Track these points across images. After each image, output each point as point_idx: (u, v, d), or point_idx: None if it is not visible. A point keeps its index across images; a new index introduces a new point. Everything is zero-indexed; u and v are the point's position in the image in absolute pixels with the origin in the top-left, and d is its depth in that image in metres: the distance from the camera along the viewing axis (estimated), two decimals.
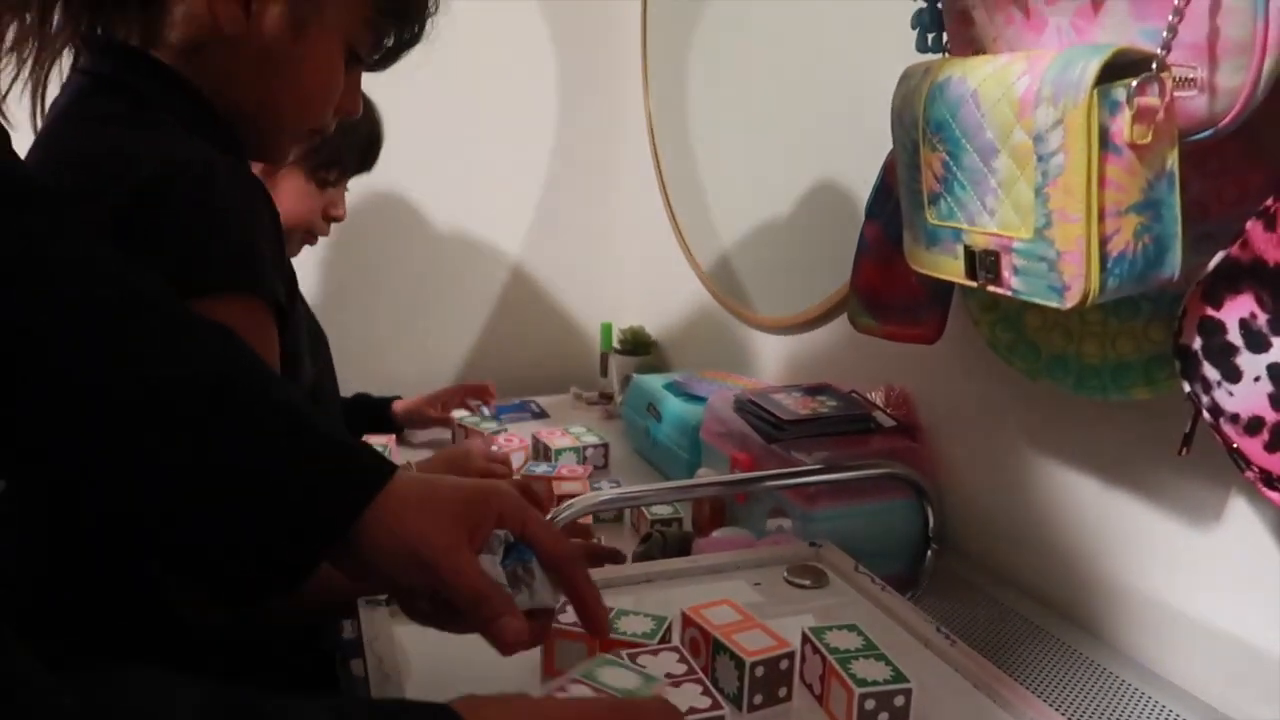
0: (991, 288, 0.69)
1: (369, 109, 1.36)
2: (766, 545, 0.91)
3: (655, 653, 0.62)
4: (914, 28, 0.81)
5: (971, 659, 0.68)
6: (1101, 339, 0.76)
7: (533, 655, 0.67)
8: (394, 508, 0.56)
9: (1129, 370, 0.75)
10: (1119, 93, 0.60)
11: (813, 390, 1.13)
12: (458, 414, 1.43)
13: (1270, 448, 0.61)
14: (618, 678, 0.58)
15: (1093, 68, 0.59)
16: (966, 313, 0.89)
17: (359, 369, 1.54)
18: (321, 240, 1.37)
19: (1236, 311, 0.62)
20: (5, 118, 0.58)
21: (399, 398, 1.49)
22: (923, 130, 0.72)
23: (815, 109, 1.27)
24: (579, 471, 1.17)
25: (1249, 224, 0.60)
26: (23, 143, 0.63)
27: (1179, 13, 0.58)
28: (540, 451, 1.30)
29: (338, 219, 1.36)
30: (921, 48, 0.81)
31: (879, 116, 0.82)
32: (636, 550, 0.95)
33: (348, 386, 1.28)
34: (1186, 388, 0.65)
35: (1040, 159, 0.63)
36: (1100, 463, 0.86)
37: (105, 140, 0.70)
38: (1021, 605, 0.92)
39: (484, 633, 0.56)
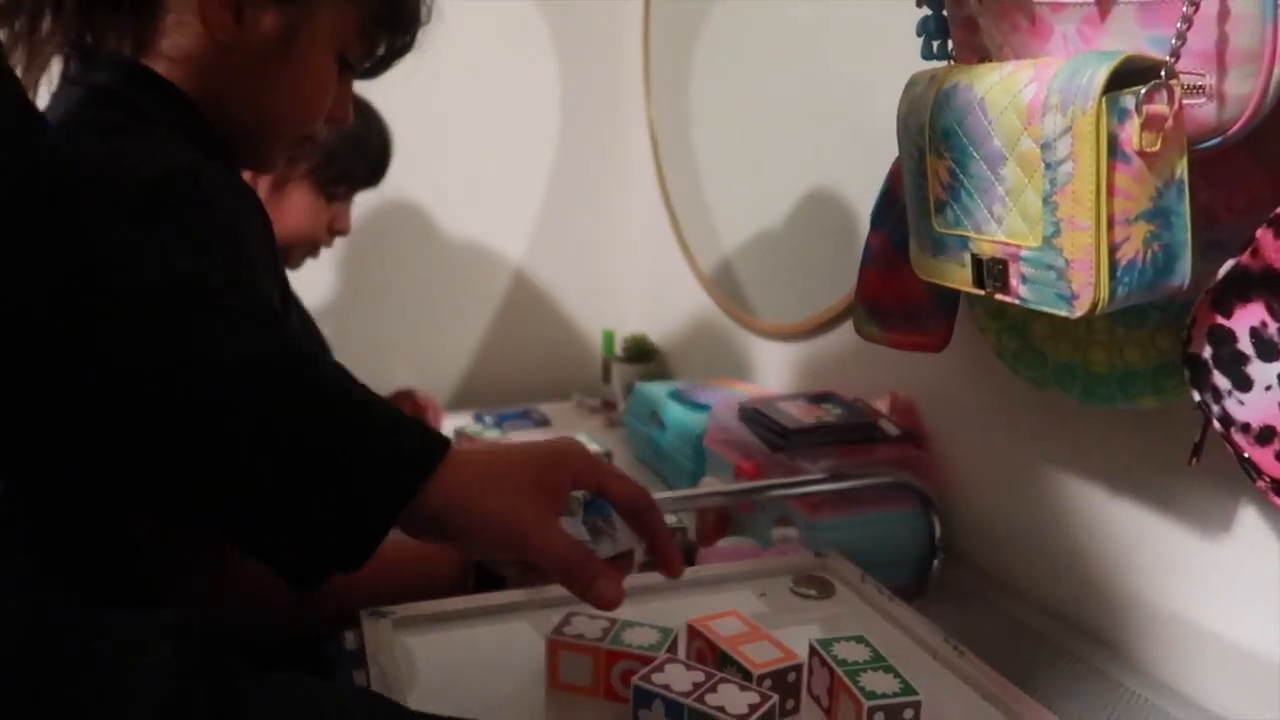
0: (999, 296, 0.69)
1: (379, 125, 1.36)
2: (772, 555, 0.91)
3: (662, 666, 0.61)
4: (919, 35, 0.81)
5: (981, 671, 0.68)
6: (1109, 347, 0.76)
7: (538, 667, 0.66)
8: (466, 483, 0.57)
9: (1137, 379, 0.75)
10: (1128, 100, 0.59)
11: (817, 398, 1.12)
12: (460, 423, 1.43)
13: None
14: (641, 636, 0.65)
15: (1101, 75, 0.59)
16: (973, 321, 0.89)
17: (360, 375, 1.52)
18: (331, 245, 1.37)
19: (1247, 320, 0.61)
20: None
21: None
22: (929, 138, 0.72)
23: (818, 116, 1.27)
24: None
25: (1260, 232, 0.60)
26: None
27: (1188, 20, 0.57)
28: None
29: (342, 233, 1.36)
30: (927, 55, 0.81)
31: (881, 124, 0.82)
32: (640, 560, 0.95)
33: None
34: (1196, 397, 0.65)
35: (1048, 167, 0.62)
36: (1108, 472, 0.86)
37: (104, 147, 0.70)
38: (1028, 615, 0.92)
39: (581, 597, 0.59)
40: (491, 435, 1.36)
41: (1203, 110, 0.60)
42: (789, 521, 0.98)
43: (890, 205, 0.89)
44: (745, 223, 1.48)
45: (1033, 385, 0.83)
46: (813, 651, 0.65)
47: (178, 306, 0.56)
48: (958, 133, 0.69)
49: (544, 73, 1.82)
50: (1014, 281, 0.67)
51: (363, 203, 1.52)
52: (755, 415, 1.09)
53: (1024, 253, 0.66)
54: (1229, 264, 0.62)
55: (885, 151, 0.87)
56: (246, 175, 0.90)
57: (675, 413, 1.29)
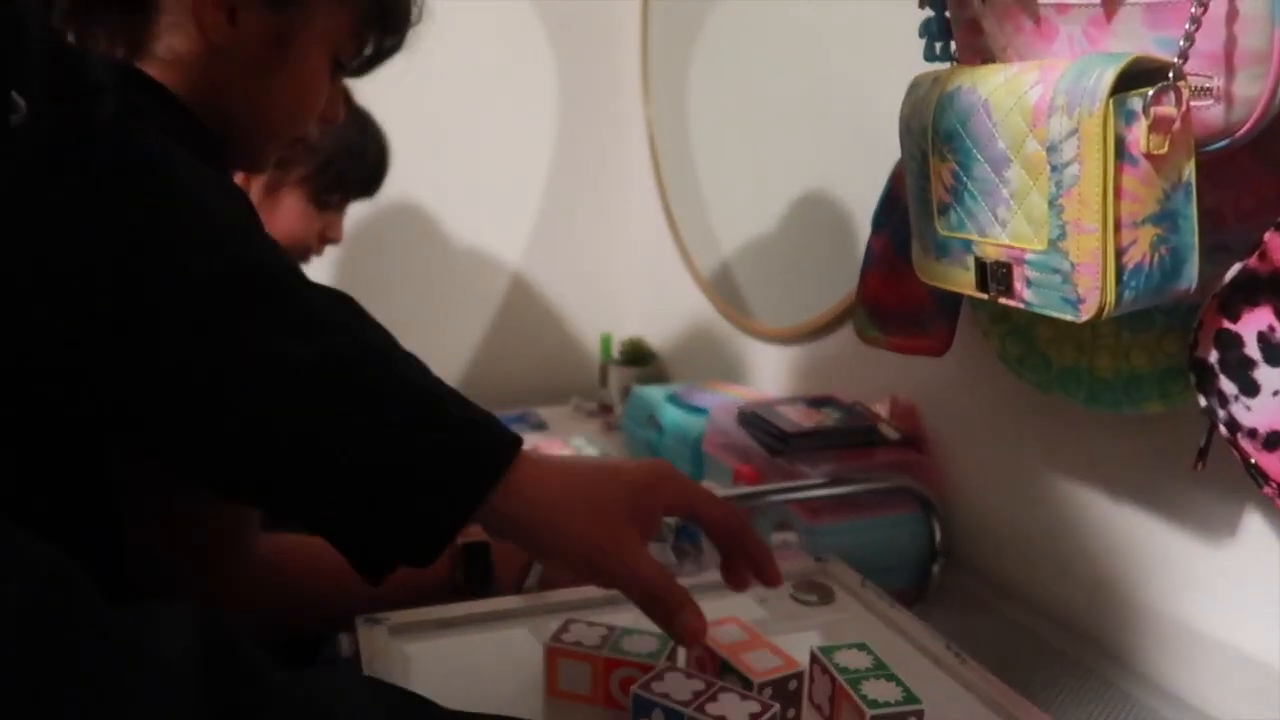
0: (1003, 300, 0.68)
1: (376, 134, 1.35)
2: None
3: (662, 675, 0.60)
4: (922, 36, 0.80)
5: (983, 678, 0.67)
6: (1114, 351, 0.75)
7: (535, 674, 0.65)
8: (549, 501, 0.57)
9: (1142, 383, 0.74)
10: (1135, 102, 0.58)
11: (816, 402, 1.12)
12: None
13: None
14: (640, 644, 0.64)
15: (1109, 76, 0.58)
16: (976, 324, 0.88)
17: None
18: (325, 251, 1.36)
19: (1254, 324, 0.60)
20: None
21: None
22: (932, 140, 0.71)
23: (817, 118, 1.26)
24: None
25: (1268, 235, 0.59)
26: None
27: (1197, 21, 0.57)
28: None
29: (334, 241, 1.35)
30: (929, 57, 0.80)
31: (880, 126, 0.81)
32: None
33: None
34: (1203, 402, 0.64)
35: (1054, 169, 0.62)
36: (1111, 476, 0.85)
37: None
38: (1029, 621, 0.91)
39: (663, 627, 0.58)
40: None
41: (1210, 112, 0.59)
42: (788, 526, 0.97)
43: (892, 207, 0.89)
44: (743, 225, 1.47)
45: (1037, 390, 0.83)
46: (814, 659, 0.64)
47: (242, 294, 0.56)
48: (961, 135, 0.68)
49: (541, 73, 1.81)
50: (1018, 285, 0.66)
51: (362, 208, 1.51)
52: (754, 419, 1.08)
53: (1029, 256, 0.65)
54: (1236, 268, 0.61)
55: (884, 153, 0.86)
56: (238, 178, 0.89)
57: (673, 416, 1.29)
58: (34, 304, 0.54)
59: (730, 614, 0.68)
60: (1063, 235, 0.62)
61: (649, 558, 0.58)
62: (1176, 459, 0.75)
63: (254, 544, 0.77)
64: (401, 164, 1.43)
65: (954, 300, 0.85)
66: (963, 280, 0.71)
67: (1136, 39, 0.62)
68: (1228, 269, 0.62)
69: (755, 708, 0.57)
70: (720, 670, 0.63)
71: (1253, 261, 0.60)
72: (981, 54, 0.75)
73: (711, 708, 0.57)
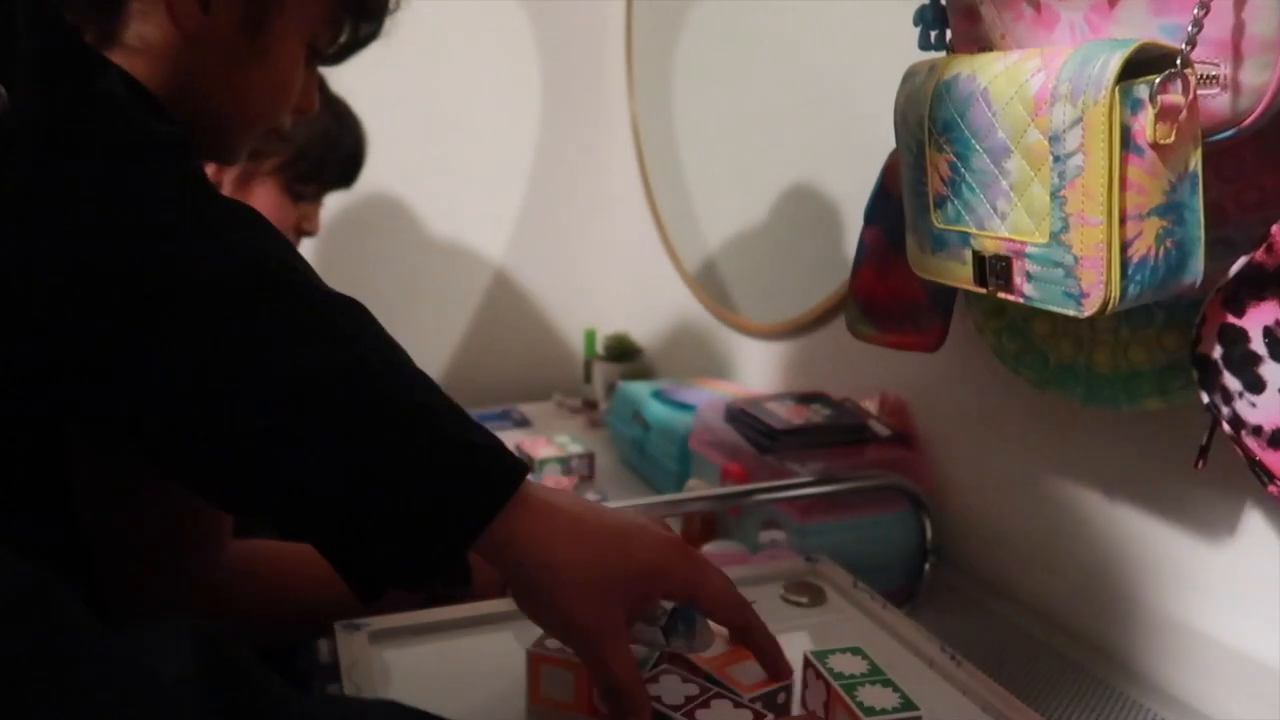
0: (1002, 295, 0.66)
1: (353, 124, 1.32)
2: (761, 560, 0.88)
3: (657, 678, 0.58)
4: (916, 24, 0.78)
5: (979, 681, 0.65)
6: (1113, 347, 0.74)
7: (517, 681, 0.63)
8: (547, 564, 0.55)
9: (1141, 380, 0.73)
10: (1141, 90, 0.57)
11: (806, 399, 1.10)
12: None
13: None
14: None
15: (1114, 63, 0.56)
16: (969, 320, 0.86)
17: None
18: (303, 244, 1.33)
19: (1260, 319, 0.59)
20: None
21: None
22: (928, 131, 0.69)
23: (802, 113, 1.24)
24: (564, 484, 1.13)
25: (1275, 228, 0.57)
26: None
27: (1205, 6, 0.55)
28: None
29: (310, 234, 1.31)
30: (925, 45, 0.78)
31: (866, 120, 0.80)
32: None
33: None
34: (1205, 398, 0.63)
35: (1056, 160, 0.60)
36: (1106, 473, 0.84)
37: None
38: (1023, 620, 0.90)
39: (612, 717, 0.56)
40: None
41: (1216, 101, 0.58)
42: (777, 524, 0.95)
43: (884, 200, 0.87)
44: (729, 220, 1.46)
45: (1033, 386, 0.81)
46: (807, 664, 0.62)
47: (249, 305, 0.54)
48: (959, 125, 0.66)
49: (525, 66, 1.79)
50: (1018, 279, 0.65)
51: (341, 199, 1.48)
52: (742, 416, 1.07)
53: (1030, 249, 0.63)
54: (1241, 261, 0.59)
55: (870, 147, 0.84)
56: (210, 169, 0.86)
57: (659, 413, 1.26)
58: (30, 302, 0.51)
59: None
60: (1065, 228, 0.60)
61: (626, 651, 0.55)
62: (1175, 457, 0.74)
63: (224, 549, 0.74)
64: (384, 158, 1.40)
65: (949, 295, 0.84)
66: (960, 274, 0.70)
67: (1141, 25, 0.60)
68: (1230, 263, 0.60)
69: (748, 716, 0.55)
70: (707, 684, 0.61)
71: (1259, 255, 0.58)
72: (979, 42, 0.73)
73: (702, 714, 0.55)
